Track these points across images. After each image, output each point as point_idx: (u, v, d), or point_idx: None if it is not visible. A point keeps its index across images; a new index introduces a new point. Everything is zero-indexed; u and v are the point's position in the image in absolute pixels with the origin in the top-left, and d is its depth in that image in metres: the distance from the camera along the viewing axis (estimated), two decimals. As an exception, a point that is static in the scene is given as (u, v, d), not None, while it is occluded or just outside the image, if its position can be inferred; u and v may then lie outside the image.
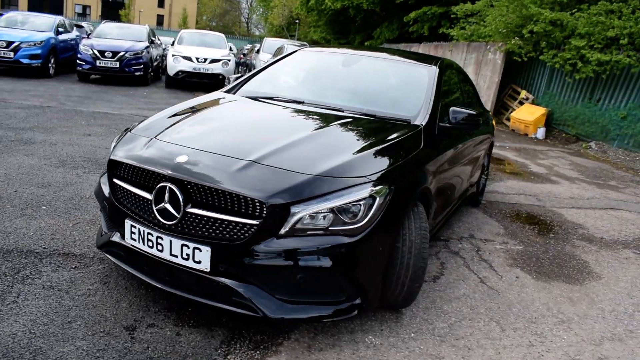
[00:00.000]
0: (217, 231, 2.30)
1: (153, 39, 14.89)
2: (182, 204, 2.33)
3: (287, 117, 3.15)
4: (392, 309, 2.86)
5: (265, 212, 2.23)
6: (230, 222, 2.28)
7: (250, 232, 2.25)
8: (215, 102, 3.46)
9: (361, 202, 2.33)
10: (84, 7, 59.05)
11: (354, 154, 2.57)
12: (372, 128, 3.01)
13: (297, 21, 42.27)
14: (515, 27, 12.43)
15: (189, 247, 2.32)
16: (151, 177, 2.45)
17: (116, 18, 49.14)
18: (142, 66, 12.95)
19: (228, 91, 3.77)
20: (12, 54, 11.53)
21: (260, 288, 2.30)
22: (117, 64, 12.53)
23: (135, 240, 2.50)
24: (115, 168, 2.65)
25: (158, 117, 3.09)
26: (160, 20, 63.51)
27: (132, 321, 2.50)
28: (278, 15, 45.03)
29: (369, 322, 2.74)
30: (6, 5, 51.04)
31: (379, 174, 2.46)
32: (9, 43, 11.55)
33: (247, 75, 3.98)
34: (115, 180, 2.64)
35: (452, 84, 4.16)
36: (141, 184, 2.51)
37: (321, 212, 2.27)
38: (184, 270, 2.37)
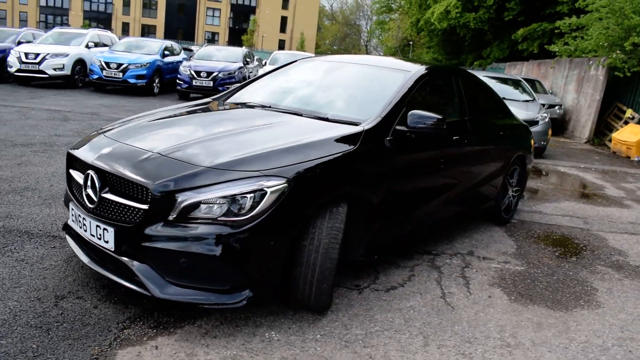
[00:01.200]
0: (119, 214, 2.51)
1: (248, 60, 15.96)
2: (98, 189, 2.59)
3: (233, 118, 3.29)
4: (314, 311, 2.81)
5: (149, 197, 2.40)
6: (127, 206, 2.49)
7: (140, 215, 2.43)
8: (191, 106, 3.72)
9: (248, 195, 2.38)
10: (213, 34, 64.83)
11: (262, 149, 2.63)
12: (305, 128, 3.03)
13: (410, 43, 42.25)
14: (618, 39, 11.27)
15: (100, 228, 2.56)
16: (84, 166, 2.75)
17: (239, 43, 53.14)
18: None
19: (217, 98, 4.01)
20: (121, 75, 13.19)
21: (152, 269, 2.45)
22: (211, 83, 13.63)
23: (73, 222, 2.81)
24: (70, 160, 3.01)
25: (130, 118, 3.42)
26: (281, 44, 67.37)
27: (65, 292, 2.79)
28: (392, 37, 45.37)
29: (283, 320, 2.73)
30: (146, 34, 57.88)
31: (276, 170, 2.48)
32: (119, 65, 13.22)
33: (241, 84, 4.20)
34: (70, 170, 2.99)
35: (445, 91, 3.98)
36: (80, 172, 2.83)
37: (209, 202, 2.37)
38: (101, 249, 2.61)
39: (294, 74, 4.07)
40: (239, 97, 3.89)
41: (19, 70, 12.95)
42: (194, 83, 13.63)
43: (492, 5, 21.70)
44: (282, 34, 67.86)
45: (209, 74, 13.67)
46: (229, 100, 3.84)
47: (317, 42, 76.25)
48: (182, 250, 2.38)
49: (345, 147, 2.84)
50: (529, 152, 5.18)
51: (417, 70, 3.66)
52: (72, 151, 2.95)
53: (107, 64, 13.27)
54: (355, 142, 2.92)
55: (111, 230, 2.51)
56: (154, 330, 2.52)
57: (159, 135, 2.96)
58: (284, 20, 66.83)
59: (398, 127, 3.19)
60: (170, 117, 3.38)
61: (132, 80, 13.26)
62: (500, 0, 21.54)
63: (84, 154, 2.80)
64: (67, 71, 13.27)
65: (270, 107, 3.50)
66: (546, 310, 3.19)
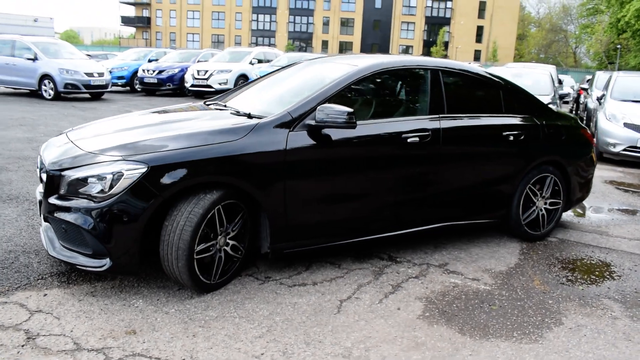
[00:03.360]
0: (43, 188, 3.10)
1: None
2: (39, 170, 3.23)
3: (176, 117, 3.57)
4: (189, 289, 3.00)
5: (47, 174, 2.92)
6: (42, 181, 3.07)
7: (44, 189, 2.98)
8: (173, 109, 4.16)
9: (108, 176, 2.74)
10: (407, 47, 65.72)
11: (142, 140, 2.95)
12: (211, 122, 3.25)
13: (618, 47, 36.73)
14: None
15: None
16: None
17: (431, 55, 52.90)
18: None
19: (213, 99, 4.38)
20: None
21: (51, 232, 2.99)
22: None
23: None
24: None
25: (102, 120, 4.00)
26: (477, 55, 64.84)
27: (32, 249, 3.50)
28: (596, 42, 40.03)
29: (160, 291, 3.00)
30: (343, 50, 61.66)
31: (139, 156, 2.79)
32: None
33: (239, 86, 4.51)
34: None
35: (410, 87, 3.67)
36: None
37: (82, 180, 2.80)
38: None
39: (275, 76, 4.21)
40: (223, 98, 4.21)
41: (192, 86, 15.49)
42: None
43: None
44: (477, 44, 65.29)
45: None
46: (209, 102, 4.18)
47: (521, 51, 71.19)
48: (63, 218, 2.85)
49: (225, 138, 2.96)
50: (574, 159, 4.34)
51: (365, 65, 3.51)
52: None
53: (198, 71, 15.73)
54: (241, 134, 3.00)
55: (39, 200, 3.13)
56: (57, 284, 3.03)
57: (96, 129, 3.48)
58: (479, 29, 64.25)
59: (308, 122, 3.14)
60: (129, 116, 3.85)
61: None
62: None
63: (43, 146, 3.48)
64: (230, 85, 15.28)
65: (225, 106, 3.76)
66: (452, 333, 2.76)
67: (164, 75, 16.20)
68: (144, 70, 16.54)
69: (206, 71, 15.36)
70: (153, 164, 2.78)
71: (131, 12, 65.40)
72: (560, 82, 10.10)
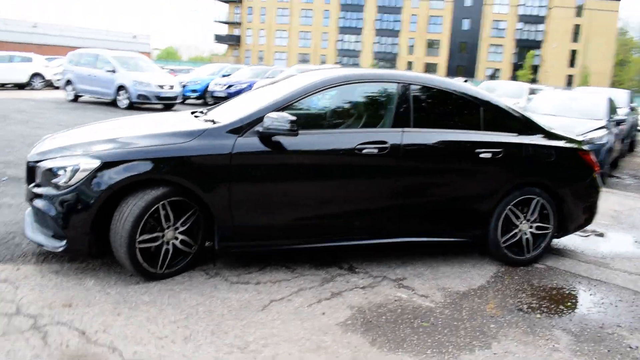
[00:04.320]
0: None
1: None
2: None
3: (152, 119, 3.93)
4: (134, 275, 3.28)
5: (26, 165, 3.37)
6: None
7: (27, 178, 3.42)
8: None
9: (68, 168, 3.12)
10: (495, 70, 63.64)
11: (103, 138, 3.33)
12: (174, 126, 3.57)
13: None
14: None
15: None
16: None
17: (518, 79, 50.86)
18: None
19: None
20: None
21: (35, 215, 3.40)
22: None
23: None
24: None
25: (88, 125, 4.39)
26: (569, 80, 61.37)
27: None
28: None
29: (109, 273, 3.30)
30: (428, 71, 61.01)
31: (97, 152, 3.16)
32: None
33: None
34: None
35: (374, 100, 3.70)
36: None
37: (49, 170, 3.18)
38: None
39: (264, 88, 4.42)
40: (212, 107, 4.46)
41: (212, 97, 17.24)
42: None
43: None
44: (570, 69, 61.81)
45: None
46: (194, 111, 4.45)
47: (621, 77, 66.39)
48: (35, 204, 3.27)
49: (175, 140, 3.23)
50: (567, 182, 4.10)
51: (327, 77, 3.63)
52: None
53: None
54: (192, 137, 3.24)
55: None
56: (34, 262, 3.44)
57: (77, 131, 3.85)
58: (573, 54, 60.82)
59: (257, 129, 3.31)
60: (112, 120, 4.23)
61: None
62: None
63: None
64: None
65: (203, 113, 4.04)
66: (361, 342, 2.76)
67: (232, 89, 17.11)
68: (215, 85, 17.64)
69: (227, 84, 17.48)
70: (105, 160, 3.10)
71: (224, 30, 69.50)
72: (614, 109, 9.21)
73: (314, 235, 3.59)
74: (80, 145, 3.28)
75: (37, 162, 3.31)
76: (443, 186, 3.78)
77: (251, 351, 2.57)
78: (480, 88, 15.95)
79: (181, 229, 3.33)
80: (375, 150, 3.54)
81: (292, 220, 3.49)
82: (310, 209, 3.52)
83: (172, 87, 14.72)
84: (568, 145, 4.22)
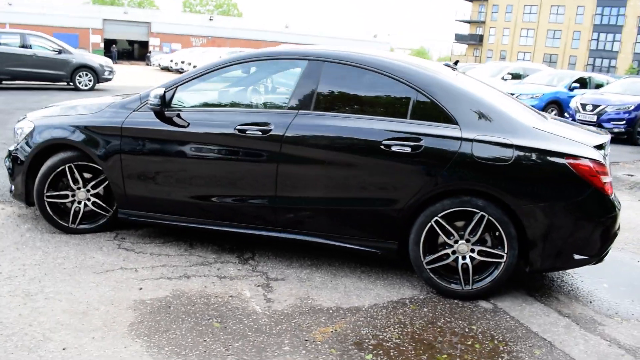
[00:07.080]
0: None
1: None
2: None
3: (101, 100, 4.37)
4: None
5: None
6: None
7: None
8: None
9: (19, 130, 3.95)
10: None
11: (54, 111, 3.96)
12: (97, 102, 3.96)
13: None
14: None
15: None
16: None
17: None
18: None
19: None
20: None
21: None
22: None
23: None
24: None
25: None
26: None
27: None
28: None
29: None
30: None
31: (36, 118, 3.89)
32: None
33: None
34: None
35: (277, 79, 3.37)
36: None
37: (14, 131, 4.02)
38: None
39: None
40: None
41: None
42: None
43: None
44: None
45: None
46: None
47: None
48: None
49: (86, 112, 3.74)
50: (535, 199, 3.02)
51: (231, 56, 3.54)
52: None
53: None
54: (97, 110, 3.67)
55: None
56: (17, 206, 4.32)
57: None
58: None
59: (167, 110, 3.50)
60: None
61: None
62: None
63: None
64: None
65: None
66: (124, 319, 2.70)
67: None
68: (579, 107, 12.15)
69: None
70: (37, 124, 3.75)
71: (465, 30, 67.58)
72: None
73: (209, 217, 3.54)
74: (36, 114, 3.97)
75: (15, 128, 4.13)
76: (341, 182, 3.24)
77: (31, 299, 2.83)
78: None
79: (93, 191, 3.73)
80: (259, 133, 3.29)
81: (185, 198, 3.53)
82: (201, 188, 3.50)
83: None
84: (546, 147, 3.08)
